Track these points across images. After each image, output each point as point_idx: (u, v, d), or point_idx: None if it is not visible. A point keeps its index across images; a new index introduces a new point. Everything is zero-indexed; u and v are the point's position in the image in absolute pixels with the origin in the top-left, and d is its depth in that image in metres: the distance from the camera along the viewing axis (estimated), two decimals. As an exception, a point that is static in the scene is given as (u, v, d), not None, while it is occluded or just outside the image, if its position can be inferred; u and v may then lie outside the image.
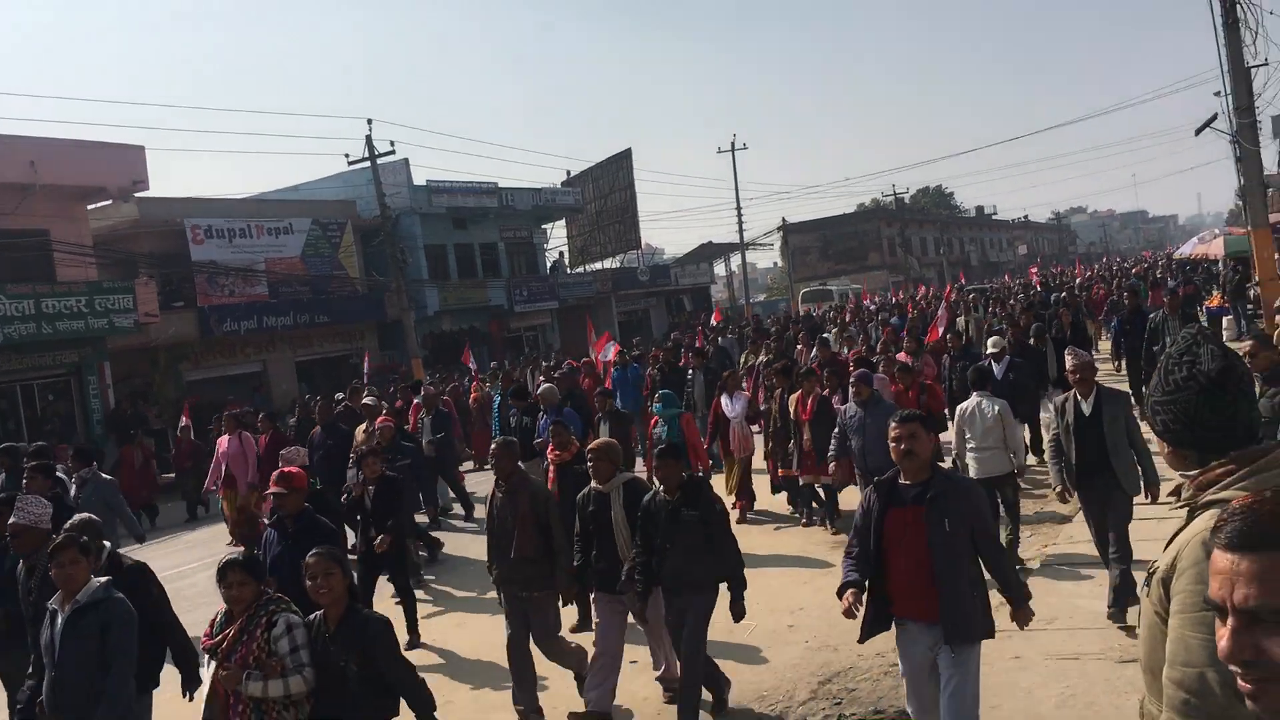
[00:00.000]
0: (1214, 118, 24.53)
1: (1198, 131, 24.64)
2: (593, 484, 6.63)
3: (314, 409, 15.96)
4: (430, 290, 35.82)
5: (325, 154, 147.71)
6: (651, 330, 46.07)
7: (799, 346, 20.58)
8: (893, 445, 4.79)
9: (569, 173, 47.52)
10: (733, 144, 52.64)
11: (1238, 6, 18.77)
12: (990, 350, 11.95)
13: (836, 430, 9.73)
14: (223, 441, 13.78)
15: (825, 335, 20.48)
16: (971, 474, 8.27)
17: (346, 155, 32.00)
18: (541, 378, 19.95)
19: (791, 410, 11.17)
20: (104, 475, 10.32)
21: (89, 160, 24.48)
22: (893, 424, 4.85)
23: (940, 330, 17.98)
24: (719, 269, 62.72)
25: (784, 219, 60.02)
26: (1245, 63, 19.32)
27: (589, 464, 6.70)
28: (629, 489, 6.50)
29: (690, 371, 15.90)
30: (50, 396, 24.67)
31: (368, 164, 31.35)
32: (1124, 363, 15.89)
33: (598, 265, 47.87)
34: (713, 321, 33.22)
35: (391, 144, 31.19)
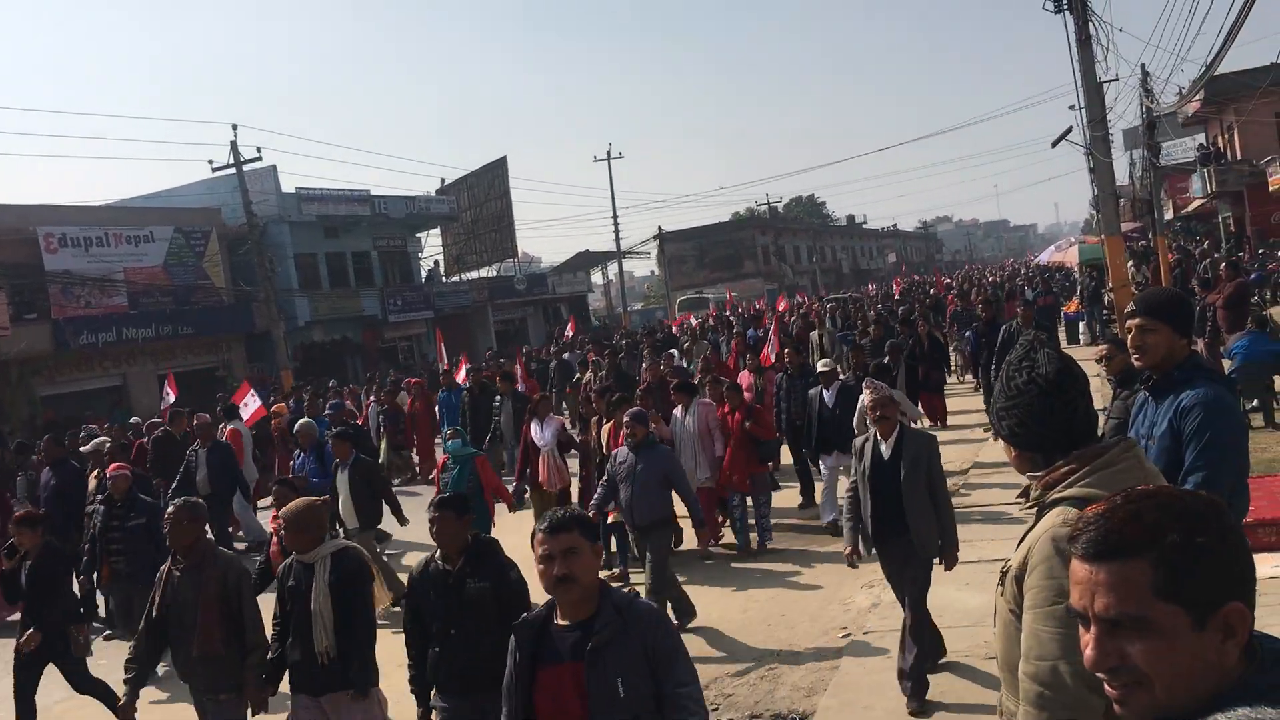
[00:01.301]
0: (1069, 130, 25.73)
1: (1054, 144, 25.78)
2: (294, 554, 5.34)
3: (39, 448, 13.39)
4: (301, 300, 34.98)
5: (188, 160, 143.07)
6: (529, 339, 45.87)
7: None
8: (539, 568, 3.12)
9: (443, 181, 47.11)
10: (608, 153, 52.84)
11: (1089, 24, 19.72)
12: (820, 369, 10.71)
13: (604, 476, 8.10)
14: None
15: (672, 351, 18.17)
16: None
17: (211, 161, 31.00)
18: (371, 399, 18.88)
19: (604, 442, 9.61)
20: None
21: (-70, 165, 23.22)
22: (539, 533, 3.15)
23: (770, 353, 16.07)
24: (596, 278, 62.87)
25: (660, 228, 60.40)
26: (1098, 78, 20.33)
27: (281, 531, 5.47)
28: (338, 561, 5.19)
29: (498, 398, 14.23)
30: (-112, 414, 23.28)
31: (233, 170, 30.44)
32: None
33: (474, 274, 47.47)
34: (567, 333, 30.79)
35: (258, 150, 30.44)
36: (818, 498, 10.85)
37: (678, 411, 10.14)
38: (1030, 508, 2.29)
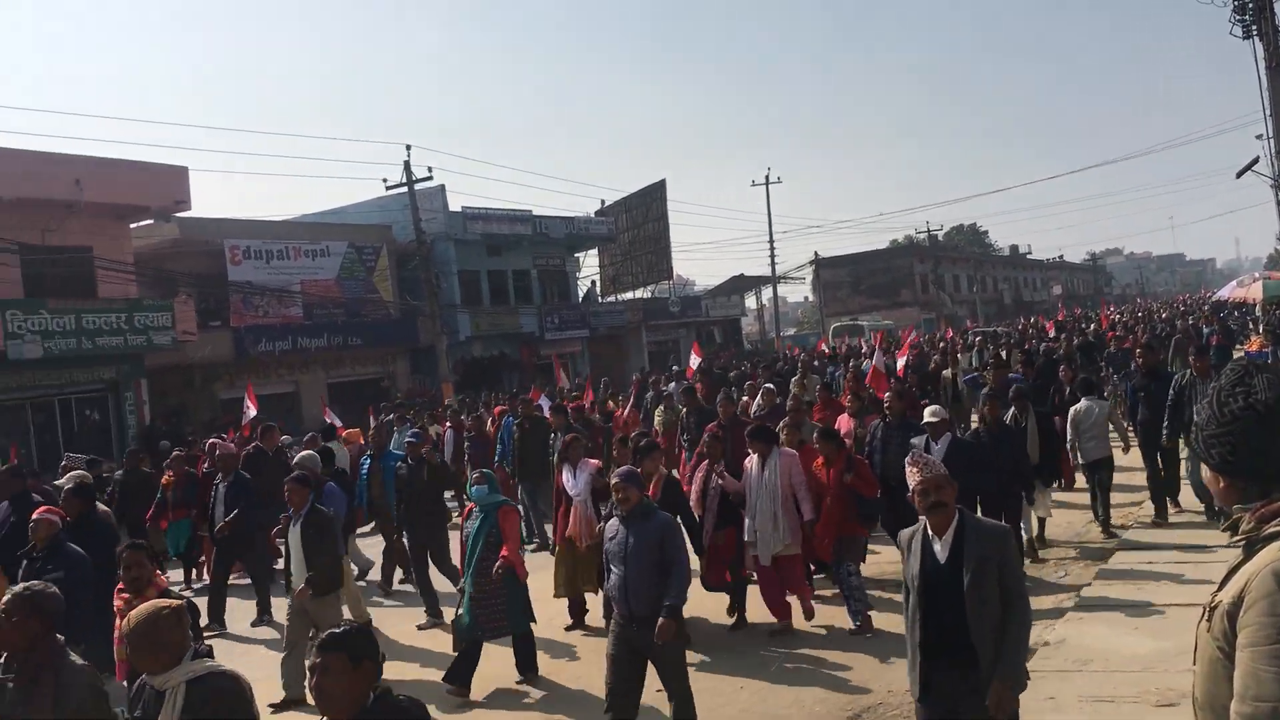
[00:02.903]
0: (1255, 160, 24.44)
1: (1239, 174, 24.54)
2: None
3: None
4: (463, 315, 36.05)
5: (363, 179, 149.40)
6: (681, 361, 46.04)
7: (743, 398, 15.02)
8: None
9: (603, 202, 47.88)
10: (766, 177, 52.82)
11: (1280, 50, 18.76)
12: (927, 420, 8.91)
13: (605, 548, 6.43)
14: None
15: (769, 385, 15.01)
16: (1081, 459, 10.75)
17: (384, 180, 32.41)
18: (448, 424, 16.74)
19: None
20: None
21: (133, 179, 24.92)
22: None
23: (876, 383, 14.38)
24: (750, 302, 62.74)
25: (816, 253, 60.12)
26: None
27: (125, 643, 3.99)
28: (194, 693, 3.70)
29: (554, 434, 12.31)
30: (88, 411, 24.99)
31: (405, 189, 31.68)
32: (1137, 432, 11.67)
33: (629, 295, 48.01)
34: (693, 361, 22.66)
35: (429, 170, 31.62)
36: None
37: (750, 463, 8.52)
38: (1239, 542, 2.17)
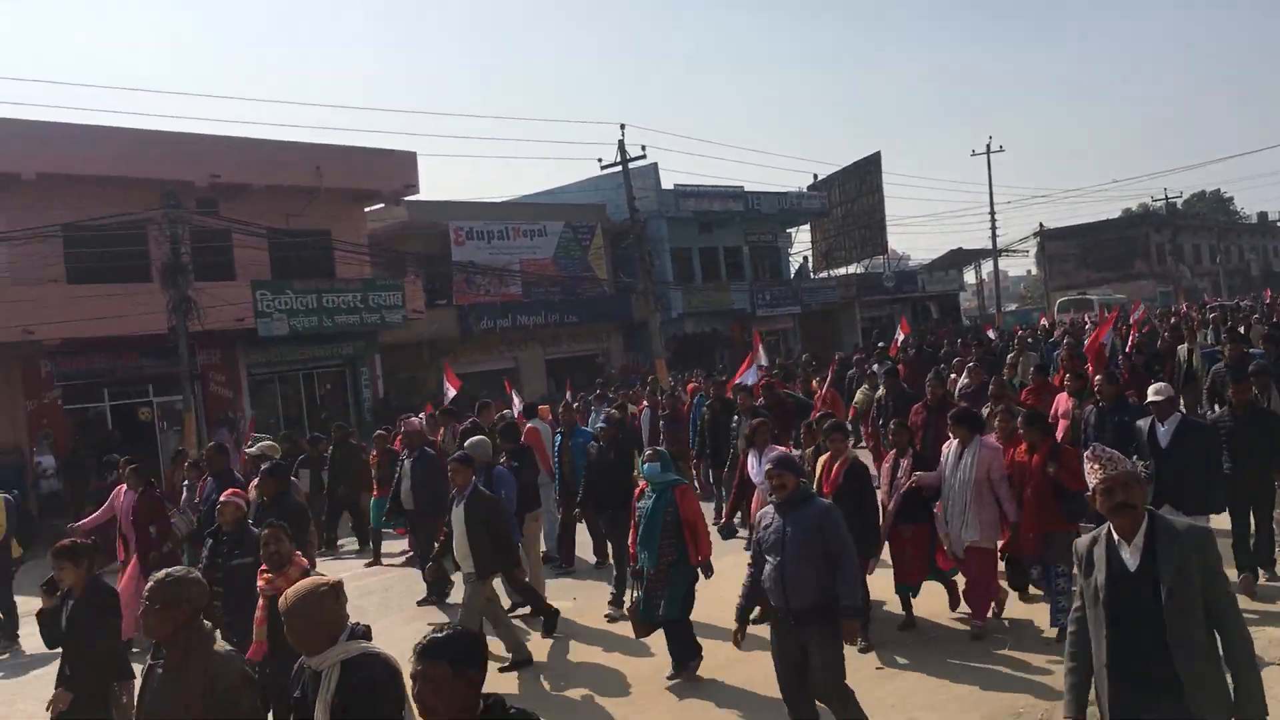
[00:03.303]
0: None
1: None
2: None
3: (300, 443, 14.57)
4: (675, 293, 36.30)
5: (578, 159, 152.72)
6: (889, 339, 44.96)
7: (952, 375, 15.05)
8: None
9: (815, 176, 47.08)
10: (988, 146, 50.63)
11: None
12: (1151, 399, 7.84)
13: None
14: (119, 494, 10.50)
15: (971, 364, 13.41)
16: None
17: (599, 160, 32.83)
18: (644, 404, 15.89)
19: (818, 480, 7.95)
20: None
21: (367, 165, 26.29)
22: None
23: (1092, 362, 13.24)
24: (969, 276, 60.44)
25: (1041, 224, 57.14)
26: None
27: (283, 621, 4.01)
28: (350, 672, 3.78)
29: (736, 416, 11.77)
30: (328, 385, 26.64)
31: (619, 168, 32.05)
32: None
33: (842, 271, 47.14)
34: (899, 337, 23.33)
35: (643, 148, 31.76)
36: None
37: (949, 448, 7.87)
38: None
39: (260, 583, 6.10)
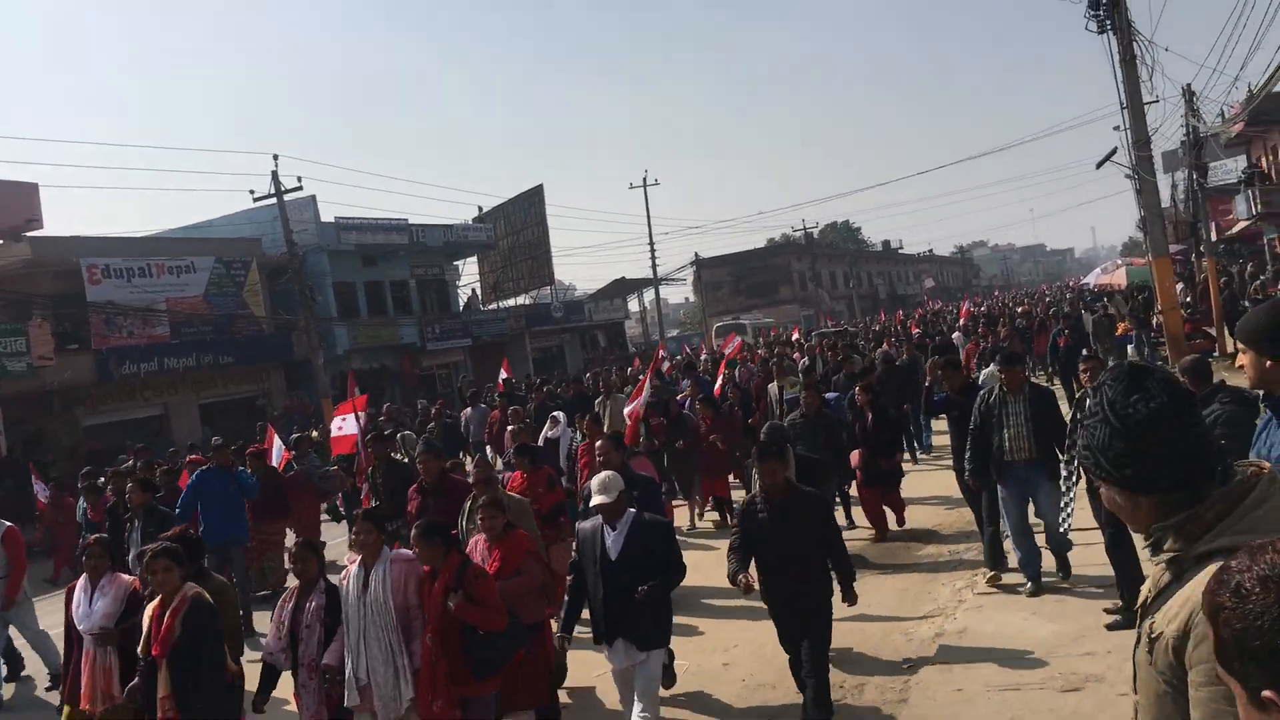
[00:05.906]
0: (1114, 151, 25.47)
1: (1099, 164, 25.55)
2: None
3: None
4: (340, 328, 35.15)
5: (229, 191, 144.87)
6: (566, 367, 45.84)
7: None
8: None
9: (480, 209, 47.26)
10: (644, 179, 52.97)
11: (1134, 44, 19.51)
12: (596, 500, 5.92)
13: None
14: None
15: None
16: None
17: (252, 192, 31.22)
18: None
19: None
20: None
21: (-22, 198, 23.61)
22: None
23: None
24: (632, 304, 62.82)
25: (696, 254, 60.46)
26: (1142, 98, 20.10)
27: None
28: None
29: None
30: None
31: (274, 200, 30.68)
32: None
33: (511, 302, 47.57)
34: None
35: (298, 180, 30.63)
36: None
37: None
38: (1164, 560, 1.96)
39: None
